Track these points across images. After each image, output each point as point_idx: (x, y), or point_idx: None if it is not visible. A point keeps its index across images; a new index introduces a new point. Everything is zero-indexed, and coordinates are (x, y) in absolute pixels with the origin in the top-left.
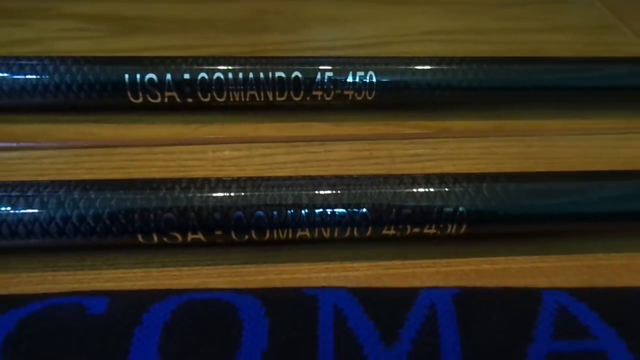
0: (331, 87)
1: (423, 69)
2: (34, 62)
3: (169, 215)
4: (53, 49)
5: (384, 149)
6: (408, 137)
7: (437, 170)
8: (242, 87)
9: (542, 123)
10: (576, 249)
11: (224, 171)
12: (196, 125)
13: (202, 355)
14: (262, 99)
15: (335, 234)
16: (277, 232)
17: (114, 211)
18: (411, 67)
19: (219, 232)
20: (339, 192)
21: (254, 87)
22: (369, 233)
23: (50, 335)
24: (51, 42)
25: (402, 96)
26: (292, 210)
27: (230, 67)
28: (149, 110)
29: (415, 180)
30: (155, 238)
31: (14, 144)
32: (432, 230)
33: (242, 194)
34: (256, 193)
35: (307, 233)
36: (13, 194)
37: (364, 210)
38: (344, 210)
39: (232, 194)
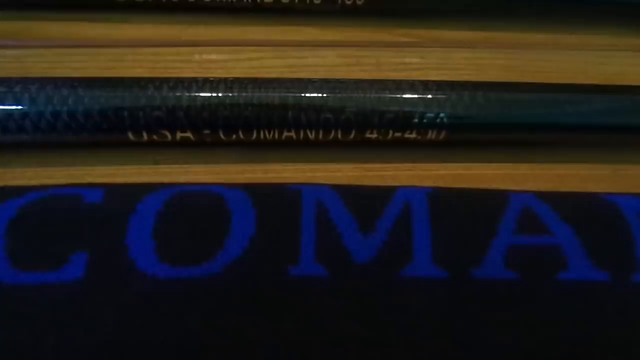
0: None
1: None
2: None
3: (157, 113)
4: None
5: (371, 57)
6: (397, 45)
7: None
8: None
9: (529, 36)
10: (547, 159)
11: (211, 74)
12: (182, 27)
13: (194, 239)
14: (250, 1)
15: (320, 136)
16: (264, 133)
17: (103, 108)
18: None
19: (207, 132)
20: (324, 95)
21: None
22: (352, 136)
23: (50, 221)
24: None
25: (393, 2)
26: (278, 112)
27: None
28: (134, 9)
29: (399, 85)
30: (145, 136)
31: None
32: (413, 135)
33: (230, 94)
34: (243, 94)
35: (292, 134)
36: (1, 89)
37: (349, 113)
38: (329, 113)
39: (220, 94)
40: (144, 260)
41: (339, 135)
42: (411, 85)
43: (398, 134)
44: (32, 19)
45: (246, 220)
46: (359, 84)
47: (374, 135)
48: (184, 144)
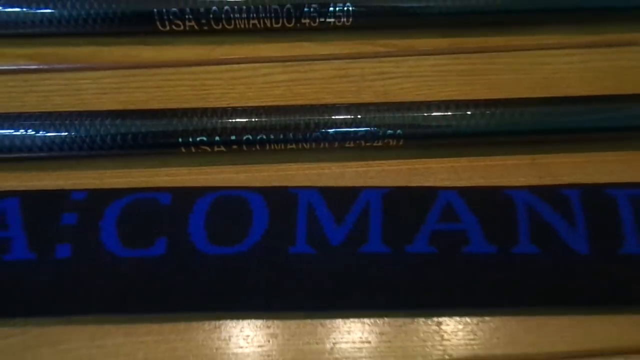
0: (316, 15)
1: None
2: None
3: (202, 138)
4: None
5: (357, 68)
6: (378, 55)
7: (397, 87)
8: (245, 16)
9: (485, 40)
10: (480, 152)
11: (235, 89)
12: (212, 47)
13: (230, 230)
14: (262, 26)
15: (313, 146)
16: (273, 146)
17: (165, 130)
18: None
19: (235, 146)
20: (315, 120)
21: (255, 16)
22: (336, 145)
23: (141, 216)
24: None
25: (377, 20)
26: (284, 134)
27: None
28: (174, 35)
29: (368, 108)
30: (193, 149)
31: (77, 65)
32: (379, 144)
33: (252, 119)
34: (263, 119)
35: (294, 146)
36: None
37: (331, 132)
38: (317, 134)
39: (244, 119)
40: (201, 243)
41: (326, 145)
42: (378, 108)
43: (368, 144)
44: (100, 44)
45: (262, 216)
46: (343, 108)
47: (352, 145)
48: (219, 153)
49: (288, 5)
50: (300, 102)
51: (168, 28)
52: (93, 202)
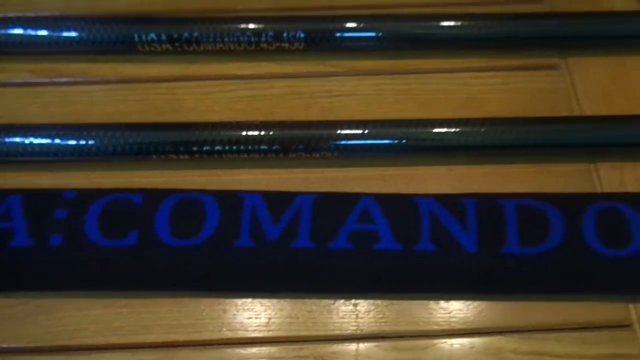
0: (272, 40)
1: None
2: (81, 22)
3: (169, 148)
4: None
5: (308, 86)
6: (327, 74)
7: (341, 104)
8: (212, 41)
9: (420, 62)
10: (398, 163)
11: (204, 103)
12: (185, 65)
13: (188, 227)
14: (227, 49)
15: (262, 156)
16: (227, 155)
17: (140, 142)
18: (334, 23)
19: (197, 155)
20: (262, 133)
21: (221, 41)
22: (281, 156)
23: (118, 213)
24: None
25: (324, 45)
26: (236, 146)
27: (203, 26)
28: (153, 54)
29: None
30: (163, 157)
31: (72, 79)
32: (317, 155)
33: (212, 132)
34: (222, 132)
35: (245, 155)
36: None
37: (276, 146)
38: (265, 147)
39: (205, 132)
40: (164, 236)
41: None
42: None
43: (301, 153)
44: (91, 61)
45: (214, 215)
46: (277, 125)
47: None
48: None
49: (248, 33)
50: (258, 115)
51: (147, 49)
52: (80, 200)
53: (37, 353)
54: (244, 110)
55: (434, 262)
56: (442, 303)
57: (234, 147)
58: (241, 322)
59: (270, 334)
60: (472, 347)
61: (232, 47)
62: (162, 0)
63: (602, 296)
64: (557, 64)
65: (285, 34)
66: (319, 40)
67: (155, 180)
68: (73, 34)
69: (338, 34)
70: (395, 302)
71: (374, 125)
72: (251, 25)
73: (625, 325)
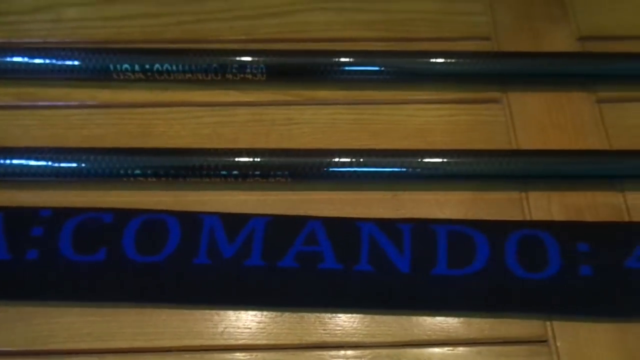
0: (237, 72)
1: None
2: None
3: (137, 171)
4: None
5: (269, 114)
6: (287, 103)
7: (299, 132)
8: (182, 71)
9: (374, 94)
10: (348, 188)
11: (173, 128)
12: (156, 92)
13: (151, 244)
14: (195, 78)
15: (222, 180)
16: (191, 178)
17: (112, 166)
18: (295, 58)
19: (163, 178)
20: (221, 161)
21: (189, 72)
22: (239, 180)
23: (89, 231)
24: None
25: (284, 76)
26: (199, 171)
27: (173, 58)
28: (127, 82)
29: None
30: (132, 179)
31: (51, 103)
32: (273, 181)
33: (177, 157)
34: (186, 157)
35: (207, 179)
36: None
37: (235, 172)
38: (224, 172)
39: (171, 157)
40: (130, 253)
41: (233, 180)
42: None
43: (261, 180)
44: (70, 86)
45: (176, 234)
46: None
47: (246, 181)
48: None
49: (215, 65)
50: (222, 140)
51: (122, 77)
52: (55, 218)
53: (14, 356)
54: (210, 135)
55: (371, 281)
56: (377, 317)
57: (197, 172)
58: (199, 331)
59: (225, 342)
60: None
61: (199, 77)
62: (139, 30)
63: (521, 314)
64: (499, 98)
65: (248, 67)
66: (280, 71)
67: (125, 199)
68: (54, 61)
69: (297, 67)
70: (339, 315)
71: (326, 154)
72: (218, 58)
73: (542, 341)
